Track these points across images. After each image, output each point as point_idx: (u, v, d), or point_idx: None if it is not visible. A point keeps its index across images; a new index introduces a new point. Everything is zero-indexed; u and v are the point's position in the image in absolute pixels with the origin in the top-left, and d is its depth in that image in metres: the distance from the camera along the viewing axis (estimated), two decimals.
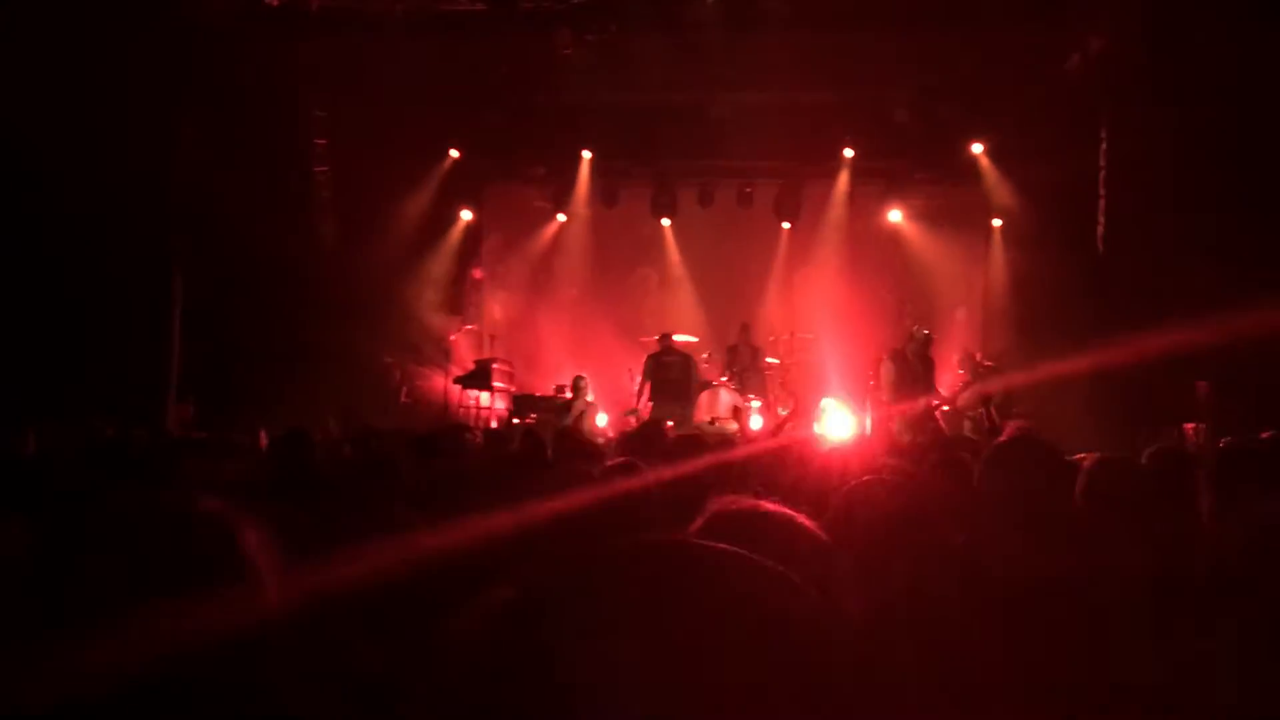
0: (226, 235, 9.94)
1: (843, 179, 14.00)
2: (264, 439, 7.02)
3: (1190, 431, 9.73)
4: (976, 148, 13.20)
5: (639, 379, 12.27)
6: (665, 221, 14.53)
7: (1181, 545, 2.42)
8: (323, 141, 12.24)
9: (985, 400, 9.23)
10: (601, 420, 12.23)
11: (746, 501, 1.43)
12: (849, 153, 13.55)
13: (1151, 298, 9.12)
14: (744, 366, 12.77)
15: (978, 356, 12.08)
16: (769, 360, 12.94)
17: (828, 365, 13.17)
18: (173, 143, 9.68)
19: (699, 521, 1.43)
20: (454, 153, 13.36)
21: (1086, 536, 2.75)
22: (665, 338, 12.44)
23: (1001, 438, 4.94)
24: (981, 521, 2.39)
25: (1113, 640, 1.87)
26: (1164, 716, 1.64)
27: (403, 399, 12.21)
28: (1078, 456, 3.57)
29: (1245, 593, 1.73)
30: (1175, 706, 1.68)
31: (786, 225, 14.52)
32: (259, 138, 10.47)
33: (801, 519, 1.41)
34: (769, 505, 1.42)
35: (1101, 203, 11.48)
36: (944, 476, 2.97)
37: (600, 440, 8.94)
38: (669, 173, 14.21)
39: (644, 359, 12.40)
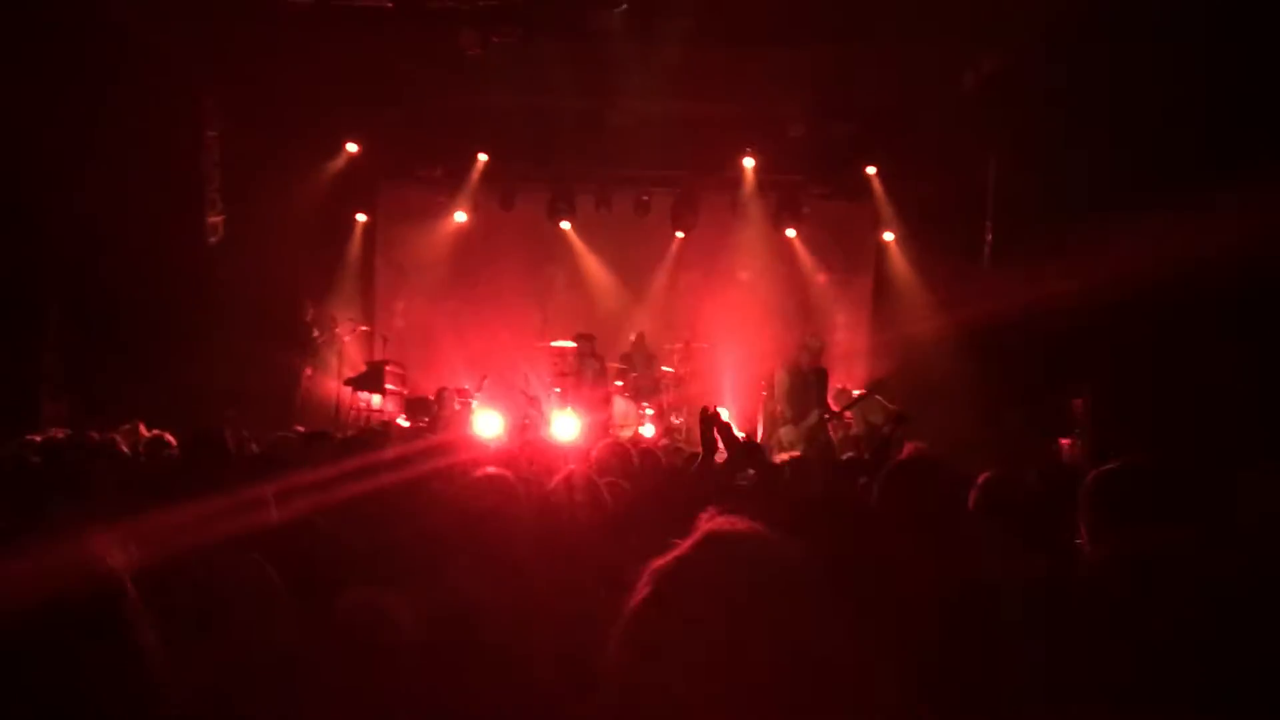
0: (108, 228, 9.56)
1: (739, 191, 14.21)
2: (142, 432, 6.81)
3: (1066, 446, 10.09)
4: (870, 169, 13.56)
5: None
6: (565, 224, 14.52)
7: (1065, 559, 2.53)
8: (214, 133, 11.88)
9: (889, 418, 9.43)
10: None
11: (741, 523, 1.45)
12: (749, 162, 13.74)
13: (1035, 313, 9.43)
14: (639, 374, 12.84)
15: (851, 389, 12.35)
16: (664, 369, 13.05)
17: (722, 374, 13.35)
18: (49, 130, 9.25)
19: (691, 540, 1.44)
20: (351, 147, 13.12)
21: (979, 549, 2.86)
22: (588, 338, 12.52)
23: (900, 457, 5.10)
24: (879, 536, 2.45)
25: (1000, 650, 1.93)
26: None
27: (298, 401, 11.92)
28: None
29: (1119, 619, 1.81)
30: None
31: (680, 235, 14.67)
32: (145, 127, 10.10)
33: (785, 542, 1.44)
34: (758, 527, 1.45)
35: (988, 220, 11.86)
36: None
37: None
38: (567, 177, 14.23)
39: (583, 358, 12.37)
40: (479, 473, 3.04)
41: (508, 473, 3.05)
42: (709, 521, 1.48)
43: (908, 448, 6.66)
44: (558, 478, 3.15)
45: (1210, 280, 7.71)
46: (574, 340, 12.61)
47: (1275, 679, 1.72)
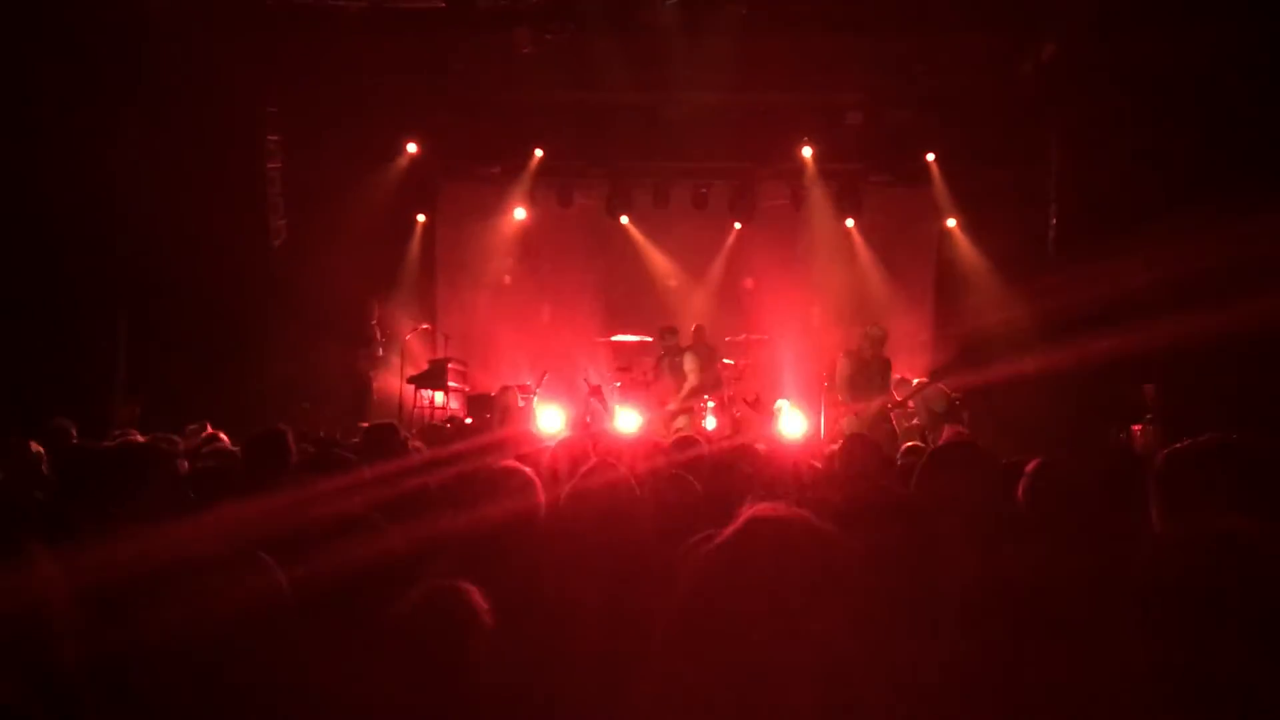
0: (175, 235, 9.79)
1: (798, 180, 14.12)
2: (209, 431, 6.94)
3: (1138, 433, 9.91)
4: (929, 156, 13.38)
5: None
6: (624, 219, 14.53)
7: (1125, 549, 2.44)
8: (275, 138, 12.09)
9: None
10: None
11: (782, 508, 1.45)
12: (808, 152, 13.64)
13: (1101, 301, 9.26)
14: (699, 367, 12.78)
15: (912, 379, 12.19)
16: (724, 361, 12.99)
17: (783, 366, 13.26)
18: (119, 139, 9.49)
19: (735, 525, 1.45)
20: (411, 147, 13.26)
21: (1028, 540, 2.79)
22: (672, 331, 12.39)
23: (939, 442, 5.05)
24: (920, 526, 2.41)
25: (1053, 645, 1.88)
26: None
27: (366, 400, 12.09)
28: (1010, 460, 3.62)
29: (1189, 602, 1.75)
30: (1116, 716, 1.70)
31: (739, 225, 14.60)
32: (210, 134, 10.32)
33: (829, 528, 1.43)
34: (801, 513, 1.44)
35: (1053, 206, 11.66)
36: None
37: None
38: (624, 172, 14.23)
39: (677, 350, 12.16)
40: (496, 466, 3.06)
41: (524, 467, 3.07)
42: (751, 508, 1.48)
43: (946, 433, 6.57)
44: (585, 466, 3.16)
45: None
46: (658, 334, 12.48)
47: None
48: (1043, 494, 2.77)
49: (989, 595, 1.86)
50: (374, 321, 12.45)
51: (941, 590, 1.89)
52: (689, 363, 11.84)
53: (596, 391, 12.16)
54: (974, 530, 2.38)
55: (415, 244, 14.26)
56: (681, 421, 11.49)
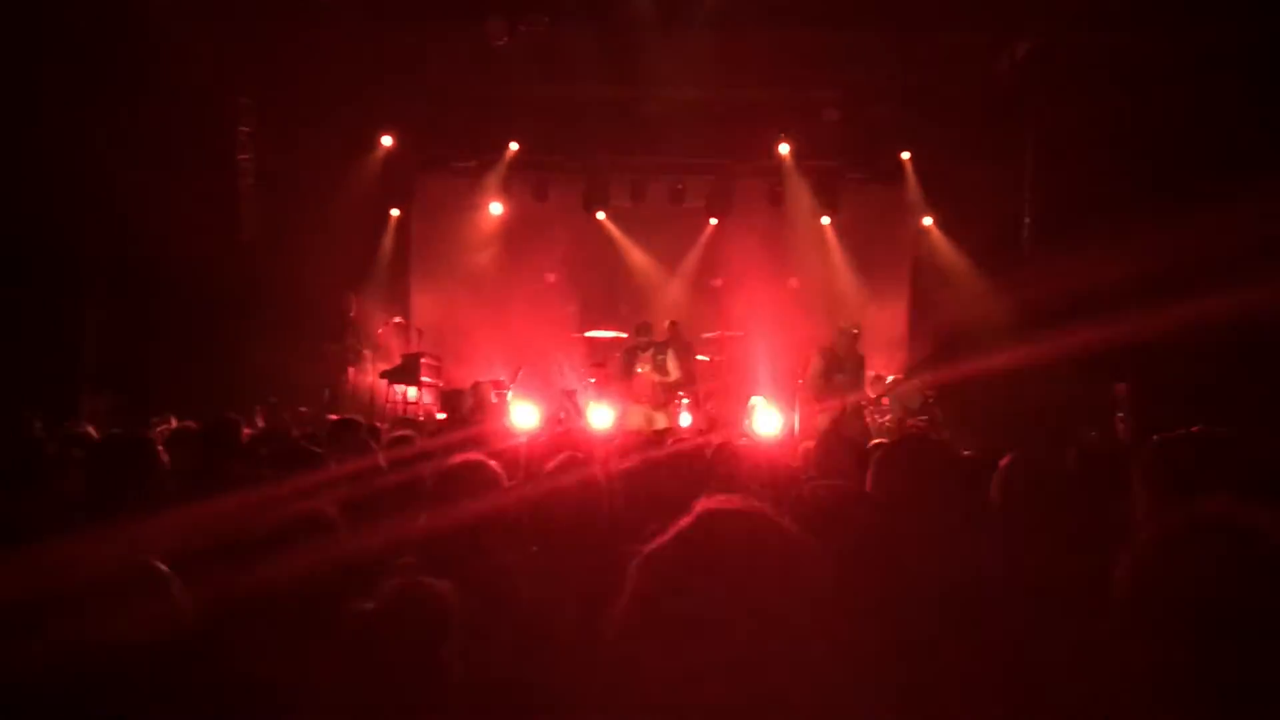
0: (145, 225, 9.67)
1: (774, 177, 14.12)
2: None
3: (1120, 424, 9.96)
4: (904, 154, 13.42)
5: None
6: (601, 215, 14.49)
7: (1101, 544, 2.43)
8: (247, 129, 11.97)
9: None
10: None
11: (736, 501, 1.42)
12: (785, 148, 13.64)
13: (1074, 297, 9.31)
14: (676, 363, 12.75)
15: (886, 376, 12.25)
16: (699, 358, 12.96)
17: (757, 362, 13.25)
18: (89, 128, 9.37)
19: (688, 518, 1.41)
20: (386, 140, 13.18)
21: (999, 534, 2.78)
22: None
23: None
24: (877, 522, 2.38)
25: (1025, 636, 1.86)
26: None
27: (326, 396, 11.98)
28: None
29: (1183, 590, 1.72)
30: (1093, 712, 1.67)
31: (714, 221, 14.58)
32: (180, 124, 10.20)
33: (785, 521, 1.40)
34: (756, 505, 1.41)
35: (1027, 203, 11.70)
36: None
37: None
38: (600, 167, 14.17)
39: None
40: (457, 459, 3.03)
41: (489, 461, 3.04)
42: (705, 500, 1.45)
43: (902, 429, 6.58)
44: (552, 462, 3.13)
45: (1253, 266, 7.60)
46: (633, 330, 12.34)
47: None
48: (1016, 489, 2.76)
49: (954, 588, 1.83)
50: (351, 315, 12.36)
51: (904, 583, 1.86)
52: (670, 360, 11.79)
53: (569, 394, 12.11)
54: (932, 524, 2.36)
55: (389, 237, 14.15)
56: (660, 419, 11.47)
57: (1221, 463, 3.21)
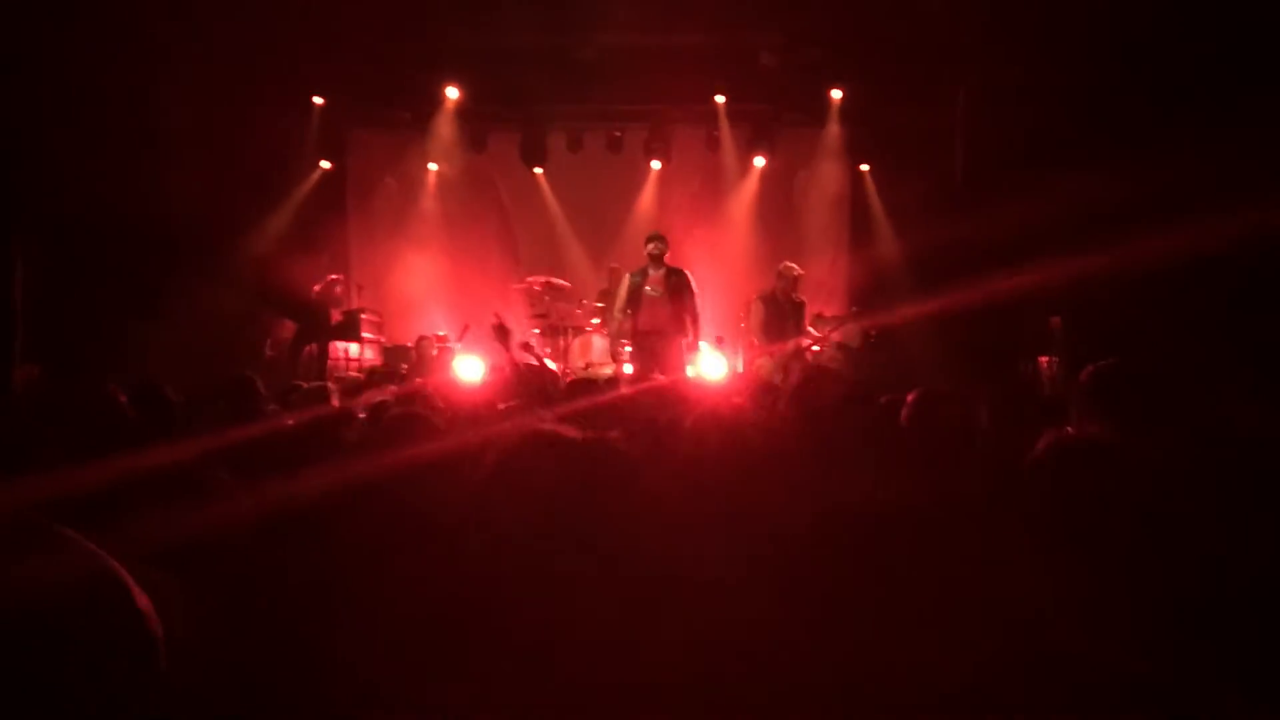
0: (75, 186, 9.44)
1: (713, 122, 14.08)
2: None
3: (1044, 364, 10.18)
4: (835, 94, 13.44)
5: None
6: (538, 170, 14.41)
7: (1005, 473, 2.51)
8: (174, 87, 11.65)
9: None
10: None
11: (547, 425, 1.47)
12: (720, 99, 13.61)
13: (1008, 239, 9.45)
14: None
15: (825, 314, 12.37)
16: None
17: (702, 308, 13.29)
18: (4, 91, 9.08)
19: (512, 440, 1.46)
20: (317, 100, 12.96)
21: (909, 466, 2.87)
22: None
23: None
24: (790, 456, 2.43)
25: (920, 561, 1.91)
26: (996, 647, 1.69)
27: (267, 352, 11.85)
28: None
29: (1070, 506, 1.79)
30: (1010, 636, 1.73)
31: (657, 165, 14.54)
32: (105, 84, 9.92)
33: (611, 439, 1.45)
34: (586, 432, 1.46)
35: (960, 146, 11.79)
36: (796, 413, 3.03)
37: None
38: (538, 117, 14.05)
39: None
40: (394, 412, 3.02)
41: (419, 409, 3.03)
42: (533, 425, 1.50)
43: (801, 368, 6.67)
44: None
45: (1179, 211, 7.78)
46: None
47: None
48: (922, 421, 2.85)
49: (839, 507, 1.89)
50: (332, 278, 12.16)
51: (789, 503, 1.92)
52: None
53: (526, 345, 12.02)
54: (827, 449, 2.44)
55: (323, 193, 13.88)
56: (606, 365, 11.49)
57: (1141, 387, 3.36)
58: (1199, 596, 1.66)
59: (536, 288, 13.00)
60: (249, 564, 1.97)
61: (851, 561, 1.70)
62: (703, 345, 12.12)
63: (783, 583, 1.63)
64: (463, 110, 13.73)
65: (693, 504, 1.53)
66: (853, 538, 1.75)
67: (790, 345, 10.58)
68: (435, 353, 11.73)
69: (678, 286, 10.23)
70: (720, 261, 13.33)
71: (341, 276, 13.31)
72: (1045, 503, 1.83)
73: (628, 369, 11.89)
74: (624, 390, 5.41)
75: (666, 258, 10.33)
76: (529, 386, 6.43)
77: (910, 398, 2.91)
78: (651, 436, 2.88)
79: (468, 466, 2.88)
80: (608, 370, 11.73)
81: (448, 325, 12.63)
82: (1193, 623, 1.62)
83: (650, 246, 10.26)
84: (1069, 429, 3.06)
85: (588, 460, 1.43)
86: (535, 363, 11.52)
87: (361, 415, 4.81)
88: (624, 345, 12.14)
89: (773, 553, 1.72)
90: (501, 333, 9.17)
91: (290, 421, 3.75)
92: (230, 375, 4.68)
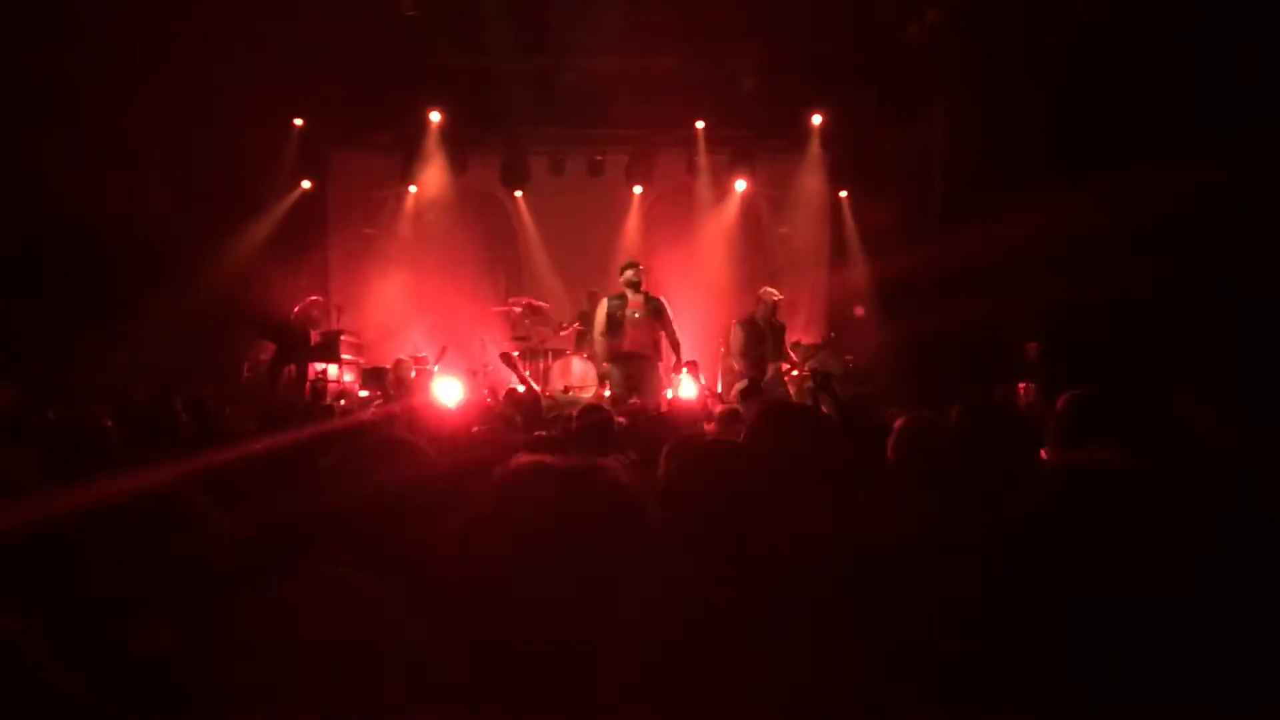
0: (47, 207, 9.38)
1: (693, 146, 14.13)
2: None
3: (1022, 390, 10.23)
4: (815, 118, 13.54)
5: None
6: (518, 193, 14.45)
7: (985, 496, 2.52)
8: (152, 106, 11.62)
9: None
10: None
11: (550, 457, 1.48)
12: (700, 124, 13.68)
13: (986, 263, 9.52)
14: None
15: (804, 340, 12.42)
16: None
17: (680, 332, 13.30)
18: None
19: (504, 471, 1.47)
20: (297, 121, 12.95)
21: (896, 496, 2.88)
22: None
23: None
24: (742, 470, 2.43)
25: (914, 594, 1.92)
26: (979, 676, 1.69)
27: (245, 373, 11.77)
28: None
29: (1067, 528, 1.80)
30: (991, 666, 1.73)
31: (638, 190, 14.58)
32: (81, 100, 9.89)
33: (611, 474, 1.46)
34: (577, 459, 1.47)
35: (938, 170, 11.88)
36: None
37: None
38: (519, 140, 14.09)
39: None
40: (375, 436, 3.00)
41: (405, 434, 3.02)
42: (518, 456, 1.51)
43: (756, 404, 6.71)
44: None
45: (1157, 237, 7.87)
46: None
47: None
48: (907, 449, 2.86)
49: (818, 543, 1.89)
50: (311, 299, 12.10)
51: (765, 538, 1.92)
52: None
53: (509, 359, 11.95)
54: (796, 477, 2.44)
55: (303, 214, 13.82)
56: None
57: (1117, 413, 3.41)
58: (1187, 621, 1.67)
59: (517, 310, 12.99)
60: (226, 588, 1.95)
61: (833, 590, 1.71)
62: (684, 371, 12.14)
63: (772, 610, 1.63)
64: (444, 132, 13.74)
65: (678, 529, 1.53)
66: (835, 566, 1.76)
67: (770, 371, 10.60)
68: (413, 374, 11.69)
69: (657, 311, 10.23)
70: (700, 285, 13.36)
71: (320, 298, 13.26)
72: (1033, 530, 1.83)
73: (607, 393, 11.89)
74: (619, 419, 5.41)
75: (643, 285, 10.26)
76: (533, 411, 6.46)
77: (896, 425, 2.92)
78: (647, 463, 2.90)
79: (455, 495, 2.88)
80: (587, 393, 11.72)
81: (427, 347, 12.59)
82: (1183, 649, 1.63)
83: (627, 274, 10.27)
84: (1043, 454, 3.09)
85: (586, 489, 1.44)
86: (520, 382, 11.56)
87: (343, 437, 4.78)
88: (605, 366, 12.15)
89: (762, 578, 1.72)
90: (510, 361, 9.12)
91: (259, 446, 3.68)
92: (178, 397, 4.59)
